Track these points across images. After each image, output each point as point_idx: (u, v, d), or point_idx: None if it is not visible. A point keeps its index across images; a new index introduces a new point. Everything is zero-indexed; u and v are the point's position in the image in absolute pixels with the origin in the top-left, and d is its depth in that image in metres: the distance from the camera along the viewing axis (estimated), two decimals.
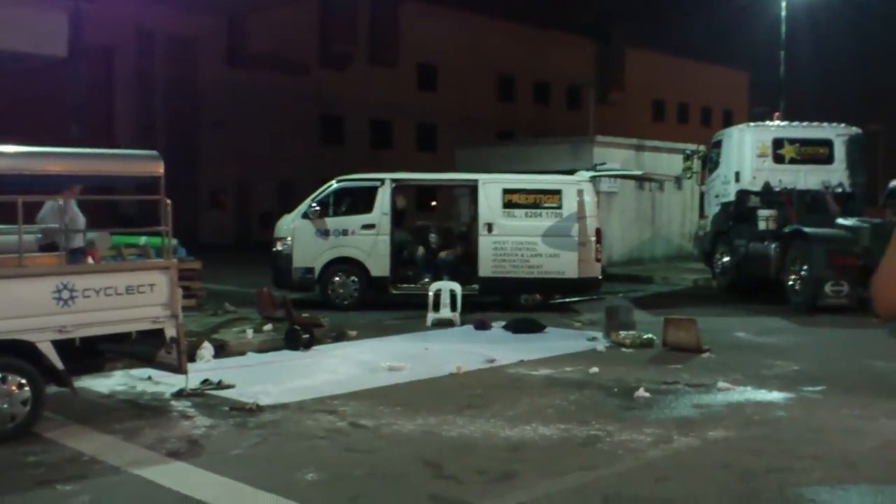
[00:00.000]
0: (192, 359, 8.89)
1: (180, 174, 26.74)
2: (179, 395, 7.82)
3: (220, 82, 34.48)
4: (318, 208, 14.33)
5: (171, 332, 7.29)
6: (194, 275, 13.24)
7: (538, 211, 14.20)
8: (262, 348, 10.34)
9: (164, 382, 8.15)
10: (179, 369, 7.42)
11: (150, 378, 8.38)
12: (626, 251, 23.01)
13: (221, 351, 9.88)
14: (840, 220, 14.90)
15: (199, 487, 5.48)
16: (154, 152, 7.81)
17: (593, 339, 11.25)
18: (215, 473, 5.73)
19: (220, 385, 8.14)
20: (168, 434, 6.67)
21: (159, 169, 7.49)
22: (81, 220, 9.84)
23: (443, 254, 15.18)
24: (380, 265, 14.26)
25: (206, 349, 9.63)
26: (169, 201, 7.78)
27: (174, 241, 10.42)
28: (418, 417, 7.16)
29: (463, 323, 12.60)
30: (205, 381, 8.18)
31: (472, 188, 14.91)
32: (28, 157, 7.06)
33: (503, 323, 12.35)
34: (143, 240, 12.37)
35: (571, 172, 15.66)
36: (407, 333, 11.90)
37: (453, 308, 12.84)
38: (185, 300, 11.07)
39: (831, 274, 13.70)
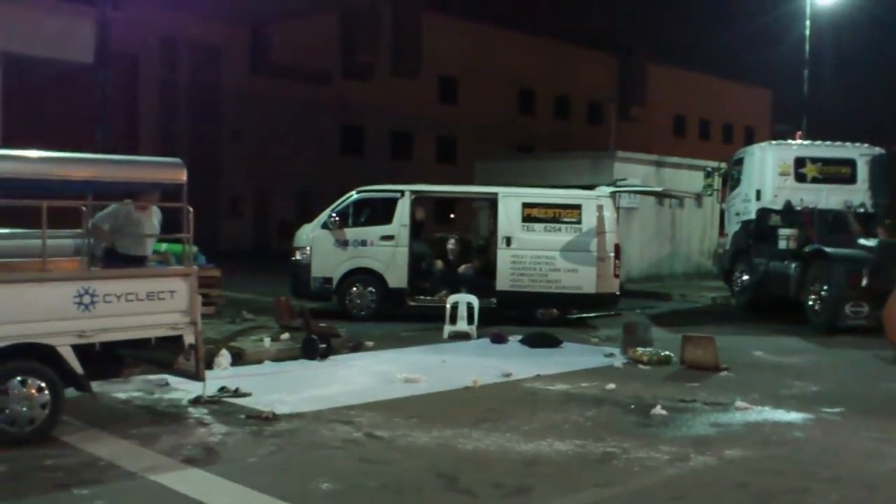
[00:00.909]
0: (209, 366, 8.93)
1: (201, 181, 26.93)
2: (196, 402, 7.85)
3: (243, 91, 34.71)
4: (337, 218, 14.37)
5: (189, 338, 7.33)
6: (214, 282, 13.30)
7: (557, 225, 14.19)
8: (280, 357, 10.37)
9: (181, 389, 8.19)
10: (197, 376, 7.45)
11: (167, 384, 8.43)
12: (645, 267, 22.93)
13: (239, 359, 9.92)
14: (861, 241, 14.79)
15: (215, 495, 5.51)
16: (177, 160, 7.86)
17: (610, 355, 11.20)
18: (231, 481, 5.75)
19: (236, 393, 8.17)
20: (184, 441, 6.70)
21: (182, 176, 7.54)
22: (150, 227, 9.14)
23: (462, 267, 15.17)
24: (398, 277, 14.28)
25: (224, 357, 9.67)
26: (191, 209, 7.84)
27: (195, 249, 10.48)
28: (434, 430, 7.15)
29: (479, 336, 12.59)
30: (222, 389, 8.22)
31: (492, 201, 14.91)
32: (52, 163, 7.14)
33: (520, 337, 12.33)
34: (164, 246, 12.44)
35: (591, 187, 15.64)
36: (423, 345, 11.90)
37: (470, 321, 12.83)
38: (204, 307, 11.09)
39: (852, 294, 13.59)
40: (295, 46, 35.45)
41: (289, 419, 7.40)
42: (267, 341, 10.87)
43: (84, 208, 9.14)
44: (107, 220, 8.77)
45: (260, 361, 10.12)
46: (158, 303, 7.25)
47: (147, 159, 8.96)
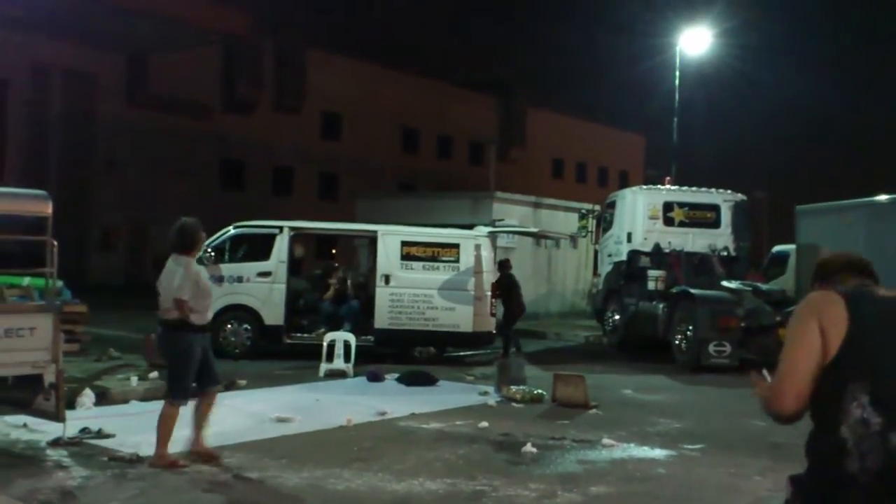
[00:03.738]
0: (71, 406, 8.56)
1: (72, 212, 25.97)
2: (56, 443, 7.51)
3: (119, 121, 33.74)
4: (213, 254, 14.11)
5: (50, 377, 7.05)
6: (79, 318, 12.79)
7: (436, 264, 14.34)
8: (147, 397, 10.02)
9: (39, 430, 7.81)
10: (57, 417, 7.16)
11: (25, 425, 8.03)
12: None
13: (103, 398, 9.55)
14: (724, 283, 15.51)
15: None
16: (43, 192, 7.63)
17: (485, 393, 11.33)
18: None
19: (99, 434, 7.86)
20: (41, 484, 6.40)
21: (47, 209, 7.32)
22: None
23: (353, 302, 15.03)
24: (274, 314, 14.10)
25: (87, 396, 9.30)
26: (55, 243, 7.59)
27: (59, 283, 10.11)
28: (304, 470, 7.07)
29: (356, 374, 12.54)
30: (83, 430, 7.89)
31: (372, 239, 14.96)
32: None
33: (396, 375, 12.34)
34: (26, 281, 11.93)
35: (471, 227, 15.89)
36: (298, 384, 11.76)
37: (347, 359, 12.78)
38: (68, 345, 10.69)
39: (715, 335, 14.19)
40: (174, 77, 34.76)
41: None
42: (134, 380, 10.52)
43: None
44: (188, 287, 7.11)
45: (126, 401, 9.78)
46: (17, 340, 6.96)
47: (10, 191, 8.64)
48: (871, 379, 2.54)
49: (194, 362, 7.18)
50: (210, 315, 7.49)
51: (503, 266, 16.16)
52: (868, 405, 2.51)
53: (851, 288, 2.78)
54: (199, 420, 7.35)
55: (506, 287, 15.68)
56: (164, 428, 7.06)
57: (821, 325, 2.62)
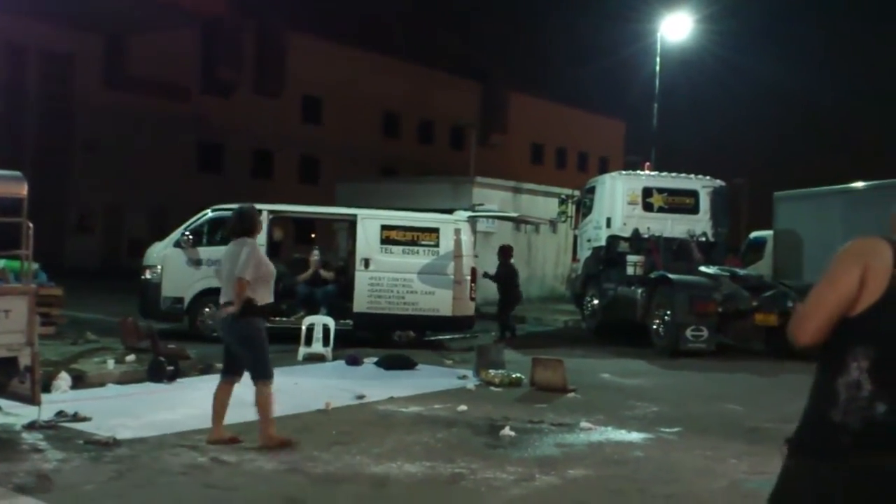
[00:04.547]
0: (47, 389, 8.51)
1: (48, 195, 25.72)
2: (31, 427, 7.44)
3: (96, 102, 33.45)
4: (190, 237, 14.02)
5: (25, 360, 6.98)
6: (55, 301, 12.71)
7: (415, 248, 14.32)
8: (124, 380, 9.98)
9: (14, 413, 7.73)
10: (32, 400, 7.09)
11: (0, 408, 7.98)
12: None
13: (79, 382, 9.48)
14: (702, 268, 15.59)
15: None
16: (18, 173, 7.56)
17: (464, 377, 11.36)
18: None
19: (75, 417, 7.80)
20: (16, 468, 6.35)
21: (23, 191, 7.25)
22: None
23: (329, 286, 15.00)
24: None
25: (63, 379, 9.23)
26: (31, 225, 7.52)
27: (35, 266, 10.03)
28: (282, 454, 7.06)
29: (335, 358, 12.53)
30: (59, 413, 7.83)
31: (351, 223, 14.92)
32: None
33: (375, 359, 12.34)
34: (1, 263, 11.82)
35: (451, 212, 15.88)
36: (277, 368, 11.53)
37: (326, 343, 12.76)
38: (44, 328, 10.62)
39: (693, 319, 14.28)
40: (153, 59, 34.48)
41: (130, 444, 7.12)
42: (111, 363, 10.45)
43: None
44: (251, 268, 7.14)
45: (102, 384, 9.71)
46: None
47: None
48: (876, 346, 2.52)
49: (267, 341, 7.43)
50: (271, 296, 7.60)
51: (504, 254, 16.27)
52: (865, 371, 2.51)
53: None
54: (220, 409, 7.39)
55: (505, 275, 15.84)
56: (266, 409, 7.27)
57: (863, 276, 2.54)
